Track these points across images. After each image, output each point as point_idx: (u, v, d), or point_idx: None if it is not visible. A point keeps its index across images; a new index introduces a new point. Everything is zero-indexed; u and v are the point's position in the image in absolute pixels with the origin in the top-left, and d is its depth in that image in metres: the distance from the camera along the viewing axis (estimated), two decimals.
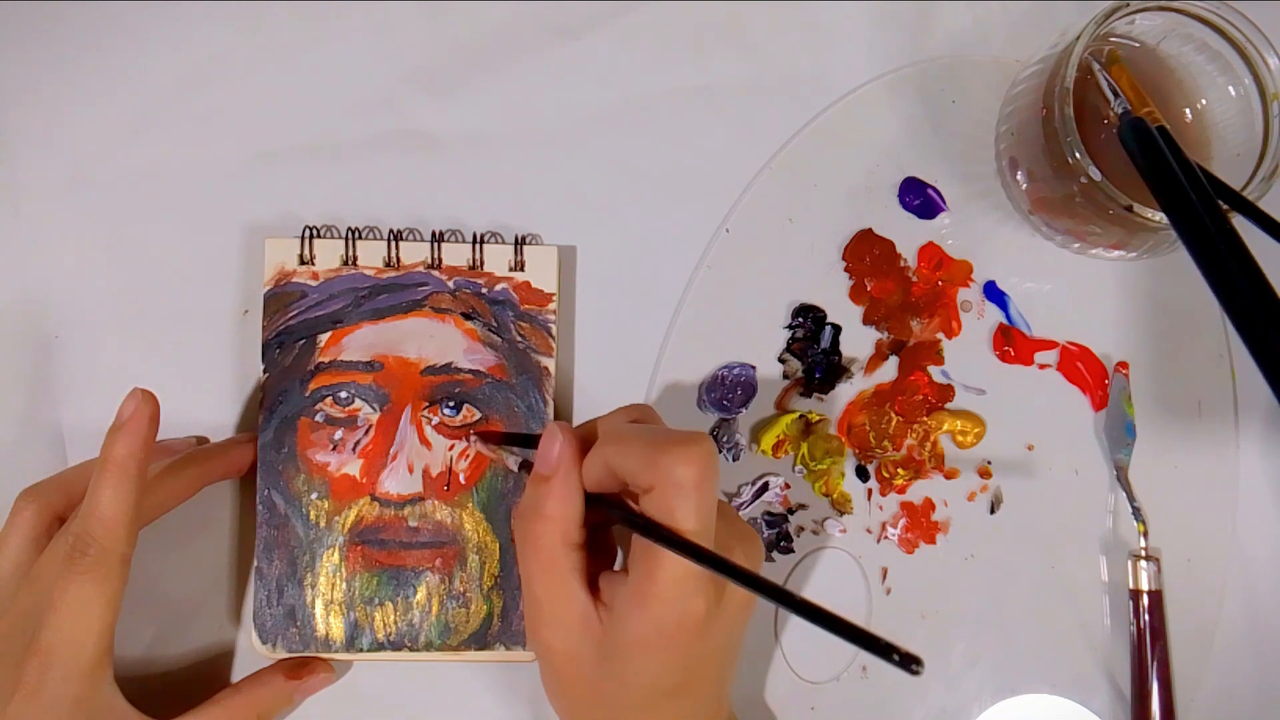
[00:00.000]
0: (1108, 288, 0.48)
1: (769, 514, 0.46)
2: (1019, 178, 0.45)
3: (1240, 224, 0.35)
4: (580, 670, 0.35)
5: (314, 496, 0.42)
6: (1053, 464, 0.47)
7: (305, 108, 0.45)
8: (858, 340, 0.47)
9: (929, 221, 0.47)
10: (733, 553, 0.34)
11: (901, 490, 0.46)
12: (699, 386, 0.46)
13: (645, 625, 0.32)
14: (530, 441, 0.42)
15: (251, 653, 0.42)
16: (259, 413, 0.42)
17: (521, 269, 0.44)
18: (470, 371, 0.43)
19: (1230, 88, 0.42)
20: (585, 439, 0.35)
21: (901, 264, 0.47)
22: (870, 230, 0.47)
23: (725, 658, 0.37)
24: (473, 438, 0.43)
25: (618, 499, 0.35)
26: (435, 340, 0.43)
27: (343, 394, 0.43)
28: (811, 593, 0.46)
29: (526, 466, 0.40)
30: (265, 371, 0.43)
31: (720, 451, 0.45)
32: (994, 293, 0.47)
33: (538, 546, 0.34)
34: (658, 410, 0.45)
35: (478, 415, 0.43)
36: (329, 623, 0.42)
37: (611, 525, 0.38)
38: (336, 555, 0.42)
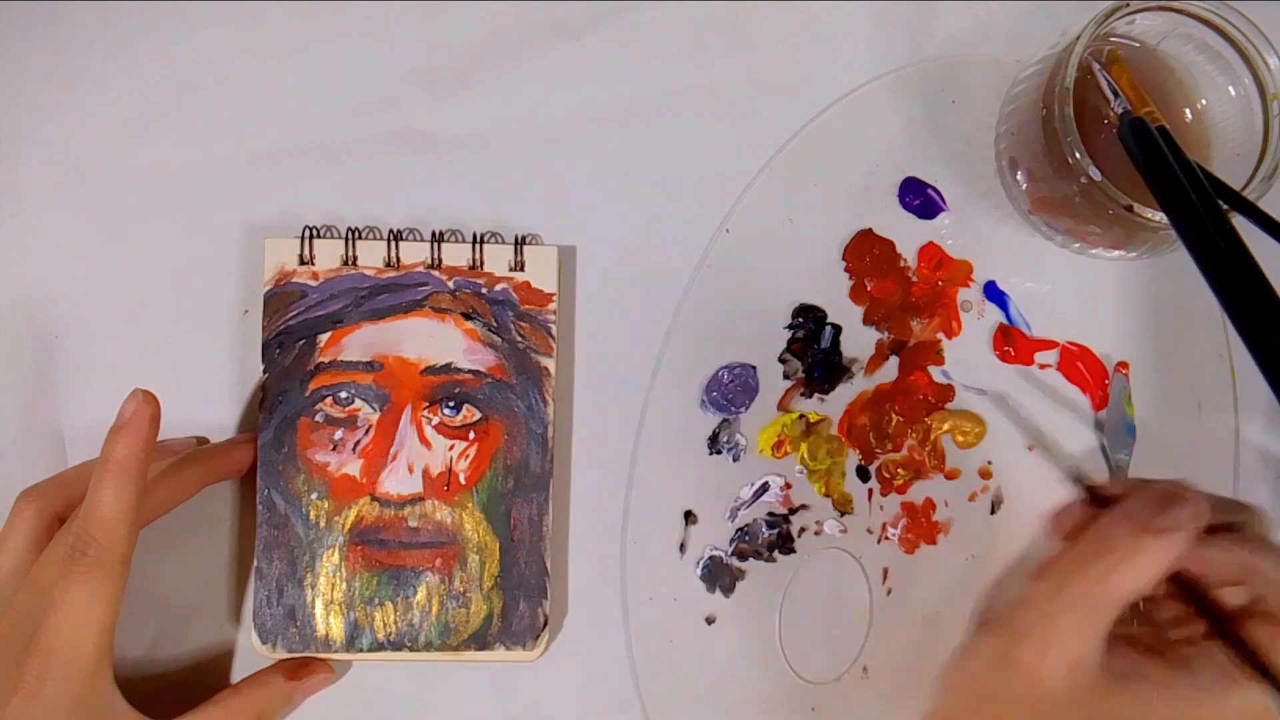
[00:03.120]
0: (1108, 288, 0.48)
1: (769, 514, 0.46)
2: (1019, 178, 0.45)
3: (1240, 224, 0.35)
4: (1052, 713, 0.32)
5: (314, 496, 0.42)
6: (1053, 464, 0.47)
7: (305, 108, 0.45)
8: (858, 340, 0.47)
9: (929, 221, 0.47)
10: None
11: (902, 490, 0.46)
12: (699, 386, 0.46)
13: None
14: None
15: (251, 653, 0.42)
16: (259, 413, 0.42)
17: (521, 269, 0.44)
18: (470, 371, 0.43)
19: (1230, 88, 0.42)
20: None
21: (901, 264, 0.47)
22: (870, 230, 0.47)
23: None
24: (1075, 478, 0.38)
25: (1207, 597, 0.32)
26: (435, 340, 0.43)
27: (343, 394, 0.43)
28: (812, 594, 0.46)
29: (1080, 482, 0.37)
30: (265, 371, 0.43)
31: (720, 452, 0.45)
32: (994, 293, 0.47)
33: (1091, 600, 0.31)
34: (656, 411, 0.45)
35: (477, 415, 0.43)
36: (329, 623, 0.42)
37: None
38: (336, 555, 0.42)
